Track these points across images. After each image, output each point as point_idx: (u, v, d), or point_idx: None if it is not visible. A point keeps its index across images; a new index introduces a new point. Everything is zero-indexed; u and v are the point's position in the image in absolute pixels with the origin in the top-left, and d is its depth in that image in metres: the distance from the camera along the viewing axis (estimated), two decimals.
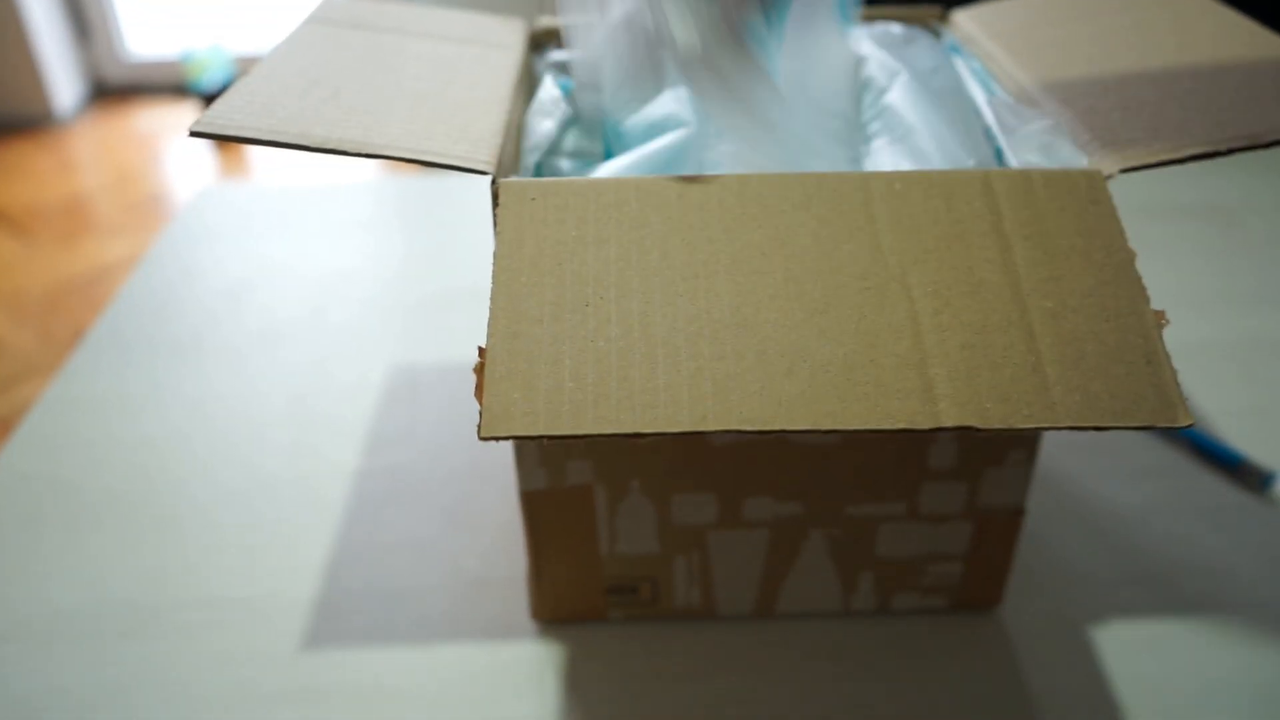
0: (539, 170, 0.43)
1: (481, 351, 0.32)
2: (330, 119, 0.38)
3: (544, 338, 0.32)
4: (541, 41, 0.55)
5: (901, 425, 0.30)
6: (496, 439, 0.30)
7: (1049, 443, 0.57)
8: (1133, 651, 0.45)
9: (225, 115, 0.37)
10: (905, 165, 0.42)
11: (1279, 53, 0.41)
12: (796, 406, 0.31)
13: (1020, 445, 0.41)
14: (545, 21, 0.55)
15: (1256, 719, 0.42)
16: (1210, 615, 0.46)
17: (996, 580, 0.46)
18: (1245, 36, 0.43)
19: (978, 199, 0.36)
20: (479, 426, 0.30)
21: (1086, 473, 0.55)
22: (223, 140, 0.36)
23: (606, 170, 0.41)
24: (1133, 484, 0.54)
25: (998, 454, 0.41)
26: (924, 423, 0.30)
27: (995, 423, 0.30)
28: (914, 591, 0.45)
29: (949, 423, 0.30)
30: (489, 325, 0.33)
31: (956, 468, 0.42)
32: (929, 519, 0.43)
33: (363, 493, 0.54)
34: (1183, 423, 0.30)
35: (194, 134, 0.35)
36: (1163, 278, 0.72)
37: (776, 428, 0.30)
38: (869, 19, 0.55)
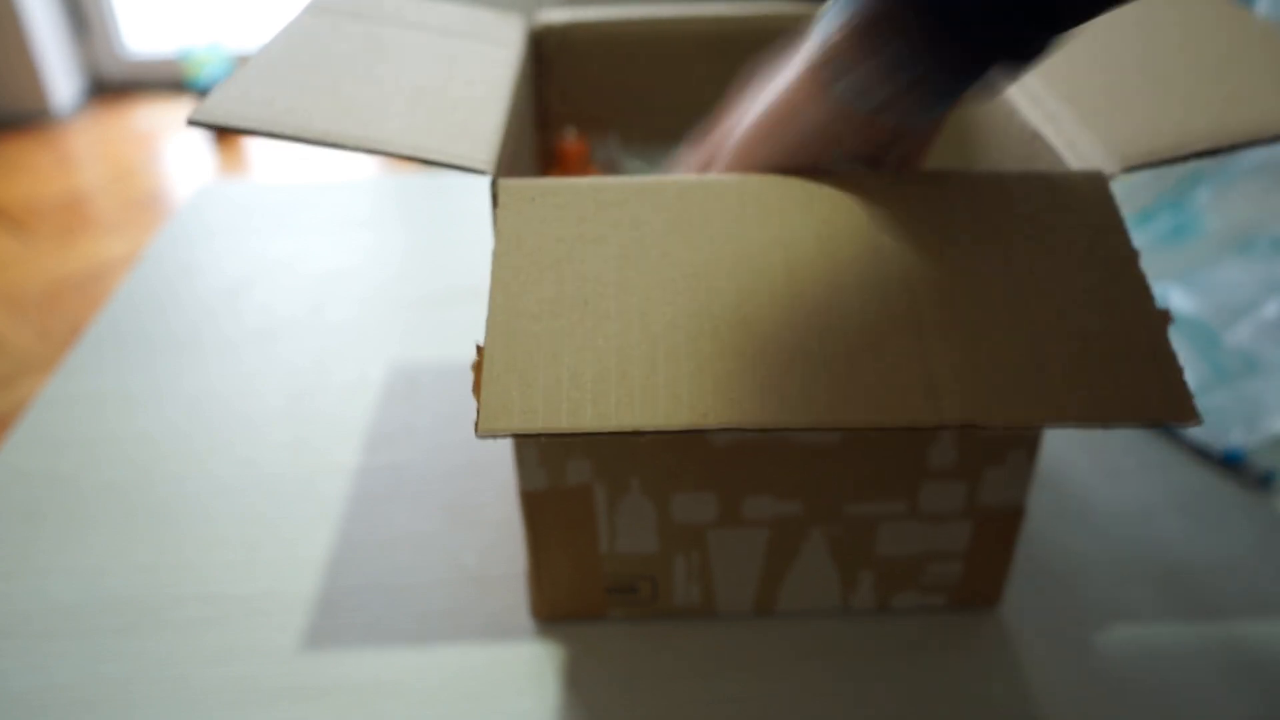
0: None
1: (480, 349, 0.32)
2: (329, 112, 0.38)
3: (542, 334, 0.32)
4: (541, 38, 0.55)
5: (904, 422, 0.30)
6: (494, 435, 0.30)
7: (1049, 442, 0.56)
8: (1132, 650, 0.44)
9: (223, 105, 0.36)
10: None
11: None
12: (798, 403, 0.30)
13: (1020, 445, 0.41)
14: (544, 18, 0.55)
15: (1256, 718, 0.42)
16: (1210, 613, 0.46)
17: (996, 579, 0.45)
18: (1248, 30, 0.43)
19: (980, 199, 0.36)
20: (476, 422, 0.30)
21: (1086, 472, 0.55)
22: (220, 130, 0.36)
23: None
24: (1132, 483, 0.54)
25: (998, 453, 0.41)
26: (927, 419, 0.30)
27: (999, 419, 0.30)
28: (914, 590, 0.45)
29: (952, 420, 0.30)
30: (487, 322, 0.32)
31: (957, 467, 0.41)
32: (929, 518, 0.43)
33: (362, 490, 0.54)
34: (1190, 419, 0.30)
35: (192, 123, 0.35)
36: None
37: (778, 425, 0.30)
38: None
